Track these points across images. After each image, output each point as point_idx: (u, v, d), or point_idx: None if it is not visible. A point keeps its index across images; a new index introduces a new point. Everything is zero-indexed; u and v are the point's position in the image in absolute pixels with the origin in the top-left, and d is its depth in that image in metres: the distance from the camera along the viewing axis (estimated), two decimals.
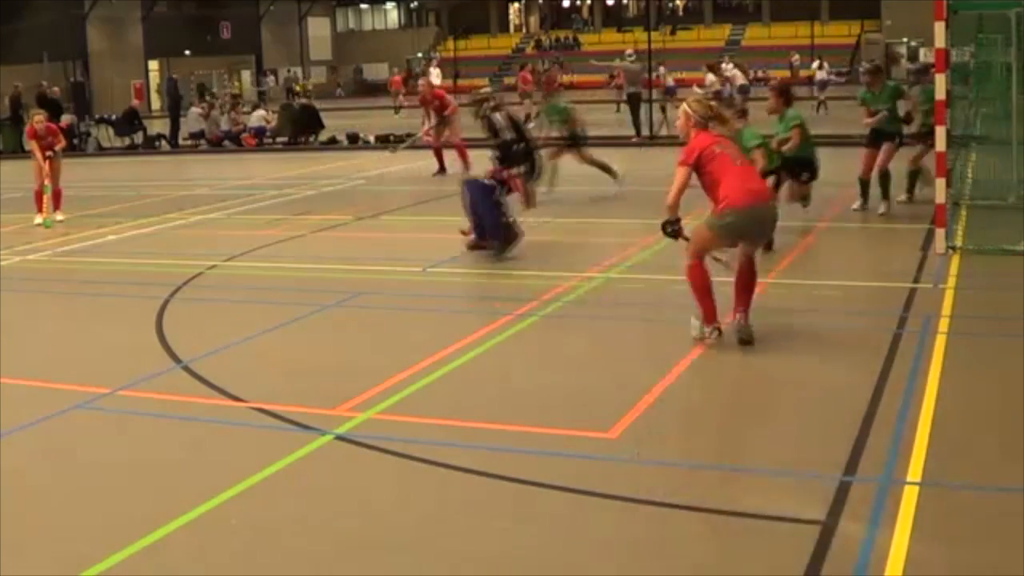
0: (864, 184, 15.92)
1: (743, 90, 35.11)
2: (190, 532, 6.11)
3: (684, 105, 9.73)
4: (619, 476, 6.76)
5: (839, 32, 70.68)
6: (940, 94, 12.84)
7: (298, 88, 64.62)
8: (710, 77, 33.44)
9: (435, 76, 44.59)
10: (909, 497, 6.14)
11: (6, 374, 9.36)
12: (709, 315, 9.45)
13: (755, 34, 74.81)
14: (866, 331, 9.90)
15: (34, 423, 8.11)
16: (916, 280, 11.59)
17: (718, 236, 9.41)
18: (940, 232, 12.84)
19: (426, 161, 23.97)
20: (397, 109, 49.51)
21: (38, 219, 18.60)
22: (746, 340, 9.35)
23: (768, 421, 7.75)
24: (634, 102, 30.35)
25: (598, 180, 19.43)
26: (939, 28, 12.74)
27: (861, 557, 5.50)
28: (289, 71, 73.95)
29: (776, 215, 9.94)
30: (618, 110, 39.01)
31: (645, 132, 29.91)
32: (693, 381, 8.59)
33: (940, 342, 9.25)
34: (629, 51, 35.43)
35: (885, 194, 15.62)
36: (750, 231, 9.46)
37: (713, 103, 10.18)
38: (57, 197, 19.08)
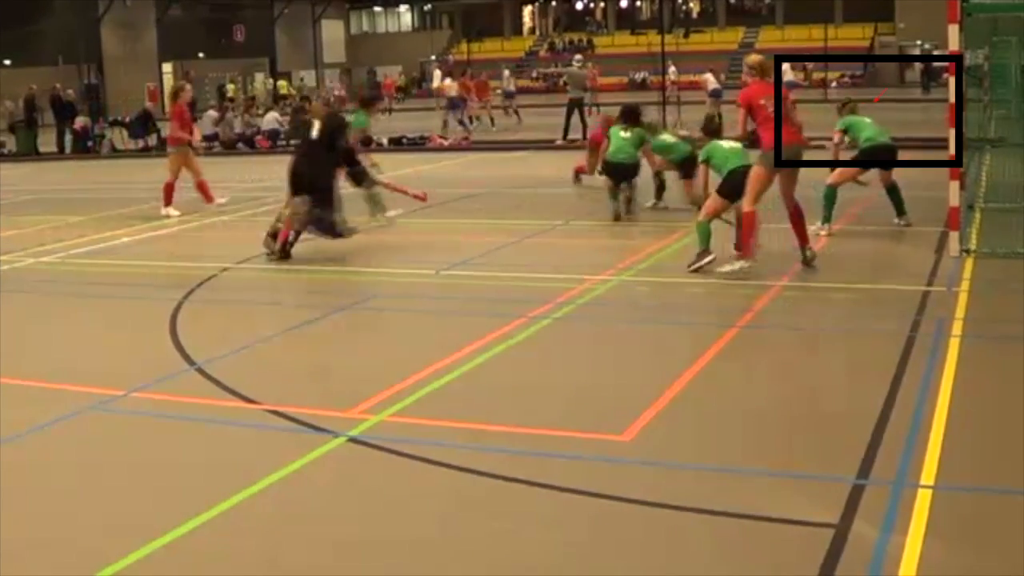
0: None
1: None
2: (203, 534, 6.12)
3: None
4: (632, 479, 6.77)
5: (853, 34, 70.58)
6: (953, 97, 12.83)
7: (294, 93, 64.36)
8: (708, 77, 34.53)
9: (437, 78, 45.19)
10: (923, 500, 6.13)
11: (21, 375, 9.39)
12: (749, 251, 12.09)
13: (768, 37, 74.71)
14: (880, 334, 9.88)
15: (49, 424, 8.13)
16: (930, 283, 11.56)
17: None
18: (954, 235, 12.82)
19: (435, 164, 23.97)
20: (388, 111, 50.23)
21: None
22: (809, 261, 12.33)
23: (781, 424, 7.73)
24: (572, 106, 30.60)
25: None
26: (953, 30, 12.71)
27: (874, 560, 5.49)
28: (302, 78, 73.78)
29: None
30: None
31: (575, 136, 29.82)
32: (706, 384, 8.58)
33: (954, 345, 9.23)
34: (578, 56, 36.14)
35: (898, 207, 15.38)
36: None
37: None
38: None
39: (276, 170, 20.01)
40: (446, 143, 32.31)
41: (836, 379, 8.75)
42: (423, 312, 11.62)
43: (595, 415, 7.92)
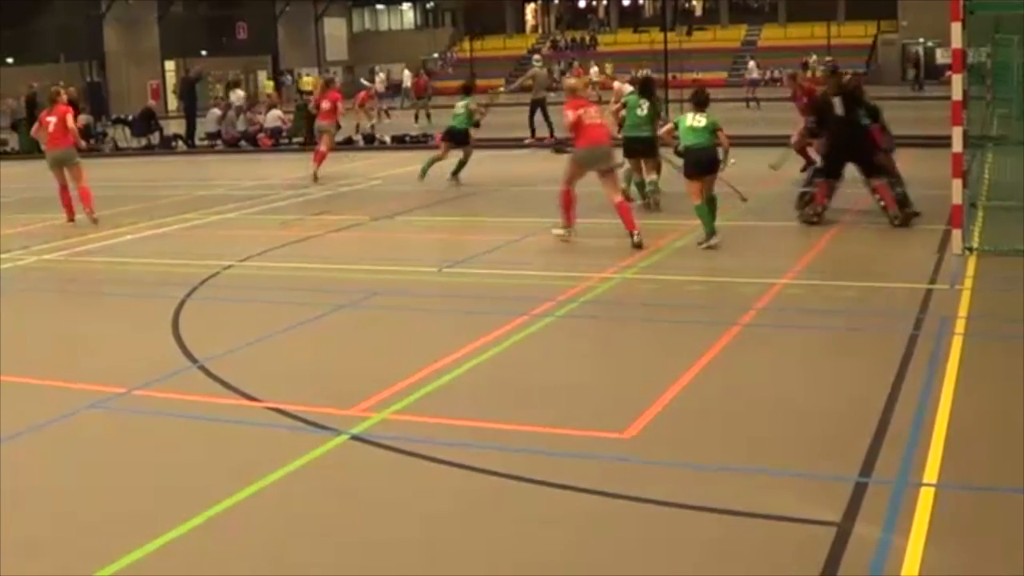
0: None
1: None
2: (204, 532, 6.13)
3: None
4: (633, 477, 6.76)
5: (855, 32, 70.49)
6: (957, 94, 12.82)
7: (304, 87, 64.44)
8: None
9: (407, 78, 46.43)
10: (925, 499, 6.13)
11: (21, 373, 9.39)
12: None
13: (771, 35, 74.67)
14: (882, 332, 9.88)
15: (49, 423, 8.13)
16: (932, 281, 11.56)
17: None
18: (957, 233, 12.81)
19: (445, 161, 23.91)
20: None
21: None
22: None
23: (783, 422, 7.73)
24: (536, 106, 30.75)
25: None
26: (955, 29, 12.71)
27: (876, 559, 5.49)
28: (301, 73, 73.77)
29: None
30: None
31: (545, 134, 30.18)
32: (708, 382, 8.57)
33: (956, 343, 9.22)
34: (537, 56, 36.48)
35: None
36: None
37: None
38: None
39: (277, 169, 20.13)
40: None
41: (838, 377, 8.74)
42: (425, 310, 11.62)
43: (597, 413, 7.91)
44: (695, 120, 14.18)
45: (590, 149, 14.58)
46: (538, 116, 30.16)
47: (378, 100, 45.70)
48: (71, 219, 18.63)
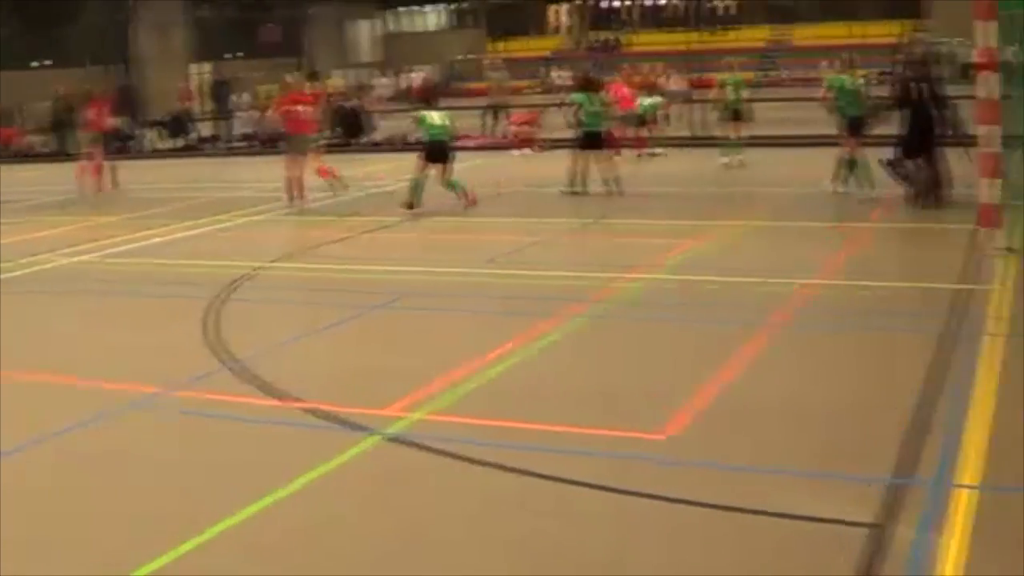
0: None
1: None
2: (239, 532, 6.16)
3: None
4: (667, 478, 6.76)
5: (883, 31, 70.05)
6: (994, 94, 12.78)
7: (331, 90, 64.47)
8: None
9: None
10: (961, 501, 6.09)
11: (58, 372, 9.46)
12: None
13: (798, 33, 74.32)
14: (916, 332, 9.82)
15: (87, 423, 8.19)
16: (965, 281, 11.49)
17: None
18: (994, 232, 12.74)
19: (471, 162, 23.95)
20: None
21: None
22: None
23: (817, 423, 7.70)
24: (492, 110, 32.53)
25: (635, 181, 19.45)
26: (985, 27, 12.68)
27: (912, 561, 5.47)
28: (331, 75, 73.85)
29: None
30: None
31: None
32: (741, 383, 8.56)
33: (992, 344, 9.16)
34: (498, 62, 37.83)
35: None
36: None
37: None
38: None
39: (309, 170, 20.12)
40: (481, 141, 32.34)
41: (871, 378, 8.71)
42: (458, 311, 11.63)
43: (631, 413, 7.91)
44: None
45: None
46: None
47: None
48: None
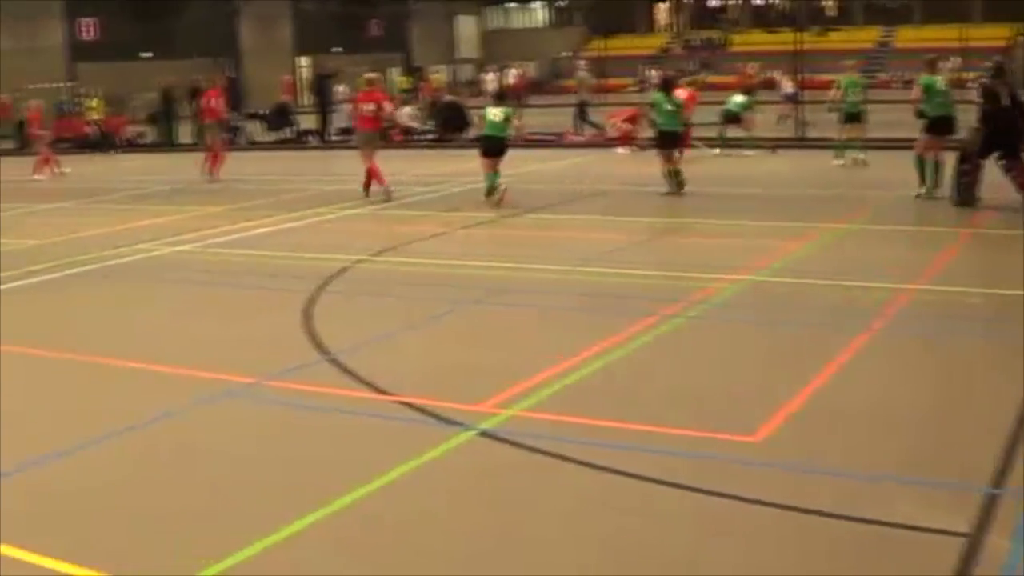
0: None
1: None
2: (329, 526, 6.17)
3: None
4: (761, 480, 6.67)
5: (992, 34, 68.83)
6: None
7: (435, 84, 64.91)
8: None
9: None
10: None
11: (155, 360, 9.59)
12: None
13: (906, 36, 73.29)
14: (1015, 339, 9.60)
15: (181, 411, 8.28)
16: None
17: None
18: None
19: (570, 160, 23.97)
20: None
21: None
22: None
23: (912, 430, 7.56)
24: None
25: (735, 181, 19.27)
26: None
27: (1008, 572, 5.34)
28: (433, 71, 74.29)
29: None
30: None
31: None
32: (837, 387, 8.42)
33: None
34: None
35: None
36: None
37: None
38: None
39: (408, 165, 20.31)
40: (579, 139, 32.27)
41: (969, 385, 8.53)
42: (554, 308, 11.60)
43: (726, 415, 7.82)
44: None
45: None
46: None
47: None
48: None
